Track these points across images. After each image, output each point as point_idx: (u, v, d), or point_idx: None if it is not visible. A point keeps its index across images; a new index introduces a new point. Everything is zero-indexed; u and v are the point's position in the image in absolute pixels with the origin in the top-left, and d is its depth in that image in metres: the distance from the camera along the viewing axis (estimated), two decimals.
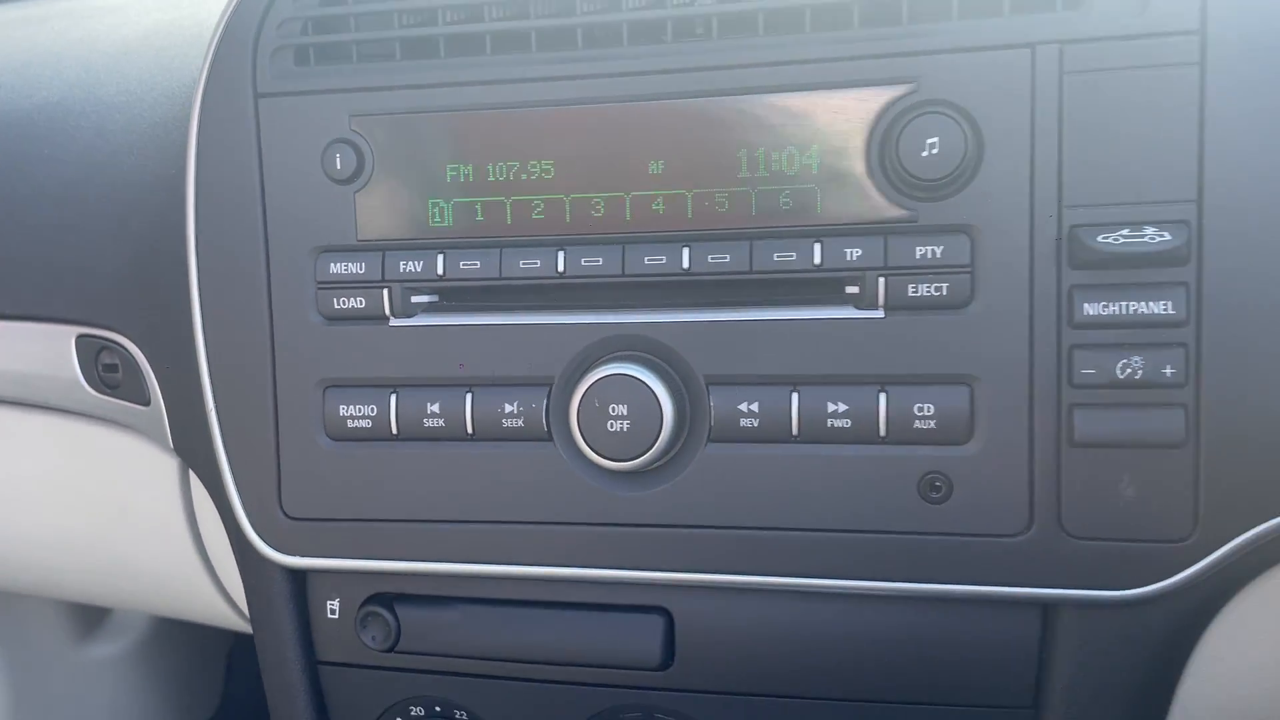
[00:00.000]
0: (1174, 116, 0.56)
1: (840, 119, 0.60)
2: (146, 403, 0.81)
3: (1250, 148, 0.56)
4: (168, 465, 0.84)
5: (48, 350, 0.85)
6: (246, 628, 0.90)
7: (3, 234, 0.84)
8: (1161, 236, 0.56)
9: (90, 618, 1.40)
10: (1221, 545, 0.58)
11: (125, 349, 0.81)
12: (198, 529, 0.86)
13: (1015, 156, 0.58)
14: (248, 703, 1.62)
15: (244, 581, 0.77)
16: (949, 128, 0.58)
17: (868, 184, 0.60)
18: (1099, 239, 0.57)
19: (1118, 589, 0.60)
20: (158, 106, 0.82)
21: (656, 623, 0.68)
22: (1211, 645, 0.63)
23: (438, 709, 0.73)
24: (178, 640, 1.50)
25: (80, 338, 0.84)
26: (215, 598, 0.90)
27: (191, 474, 0.83)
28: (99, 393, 0.84)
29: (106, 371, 0.84)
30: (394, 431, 0.67)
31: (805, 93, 0.60)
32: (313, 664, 0.75)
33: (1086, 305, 0.58)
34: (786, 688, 0.67)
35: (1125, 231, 0.57)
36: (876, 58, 0.59)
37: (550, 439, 0.65)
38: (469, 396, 0.66)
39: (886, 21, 0.60)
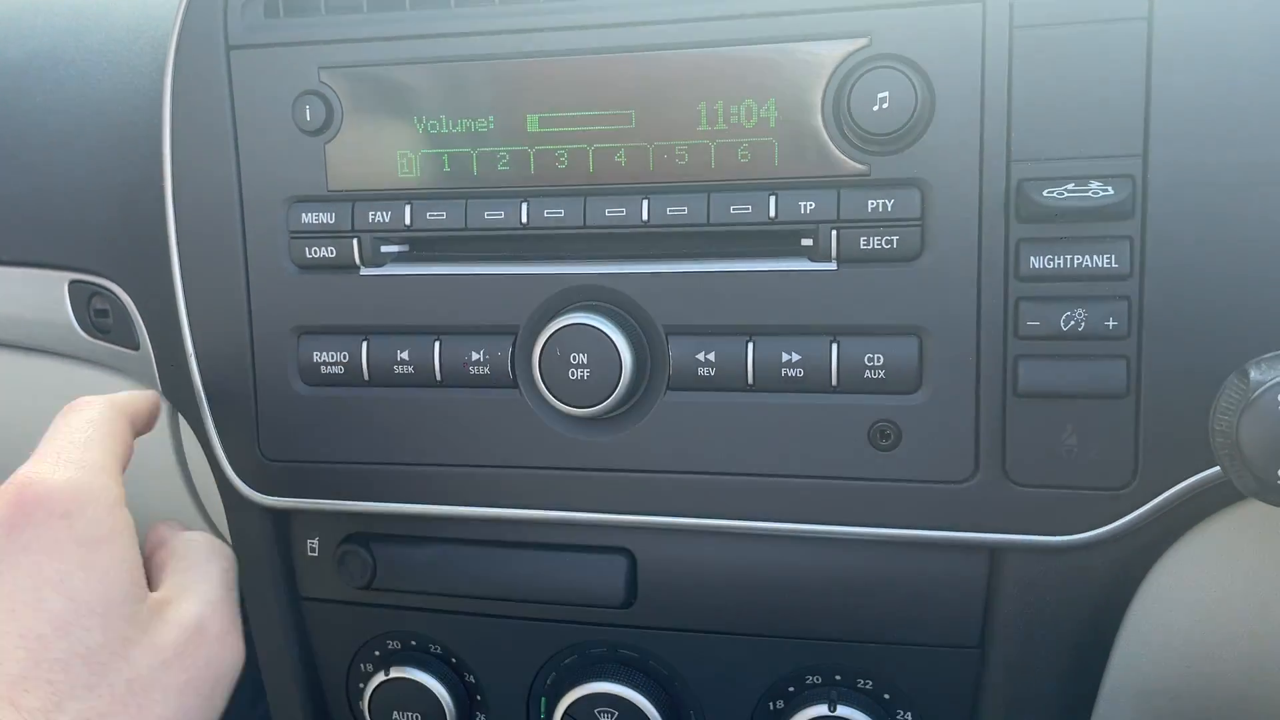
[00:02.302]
0: (1121, 71, 0.57)
1: (796, 73, 0.61)
2: (136, 347, 0.84)
3: (1195, 103, 0.56)
4: None
5: (42, 295, 0.87)
6: None
7: None
8: (1105, 191, 0.57)
9: None
10: (1160, 493, 0.59)
11: (115, 295, 0.84)
12: (188, 469, 0.89)
13: (966, 111, 0.59)
14: (247, 635, 1.67)
15: (229, 521, 0.80)
16: (900, 82, 0.59)
17: (823, 137, 0.61)
18: (1045, 193, 0.58)
19: (1060, 534, 0.61)
20: (143, 55, 0.83)
21: (619, 563, 0.70)
22: (1153, 589, 0.65)
23: (413, 643, 0.76)
24: None
25: (73, 283, 0.86)
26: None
27: (181, 416, 0.86)
28: (91, 337, 0.87)
29: (98, 316, 0.86)
30: (366, 377, 0.69)
31: (762, 46, 0.61)
32: (296, 599, 0.78)
33: (1033, 258, 0.59)
34: (743, 626, 0.70)
35: (1071, 186, 0.58)
36: (832, 11, 0.60)
37: (515, 386, 0.67)
38: (437, 344, 0.68)
39: None
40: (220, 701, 0.57)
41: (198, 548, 0.61)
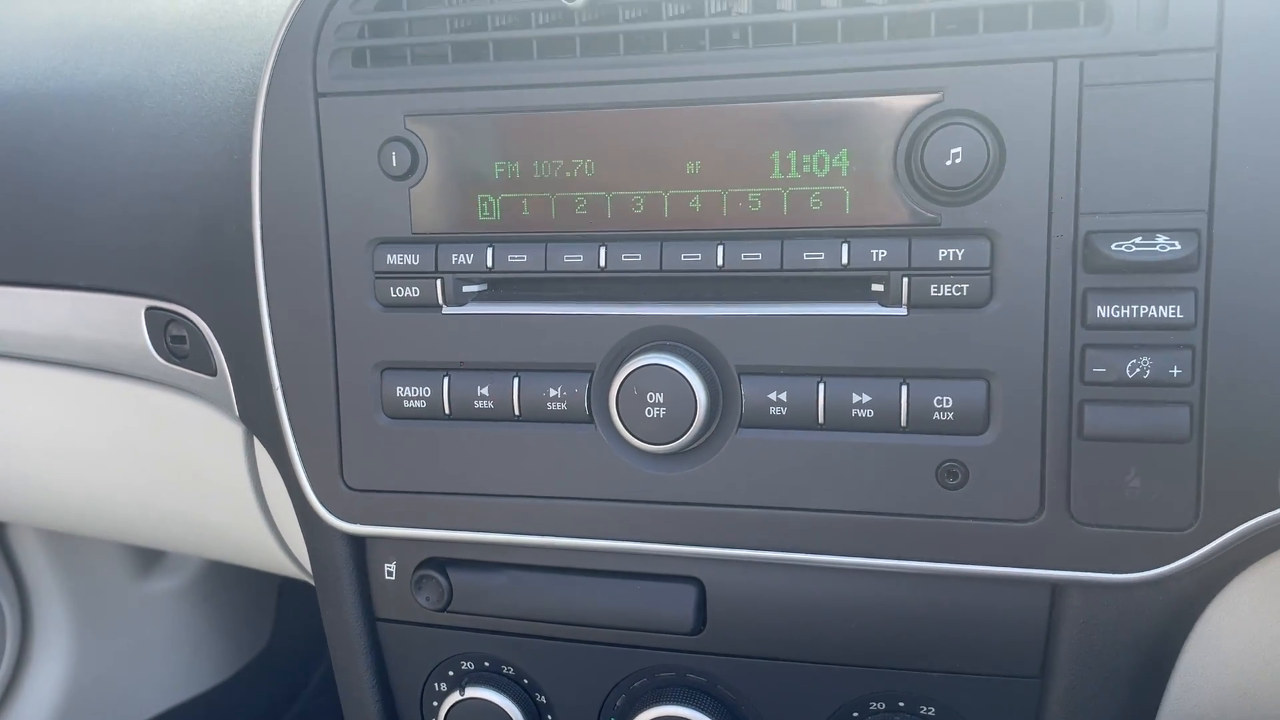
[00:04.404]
0: (1188, 130, 0.59)
1: (869, 126, 0.63)
2: (213, 373, 0.87)
3: (1260, 161, 0.58)
4: (233, 431, 0.90)
5: (119, 321, 0.90)
6: (307, 579, 0.96)
7: (75, 209, 0.89)
8: (1172, 245, 0.59)
9: (149, 555, 1.48)
10: (1220, 535, 0.62)
11: (192, 322, 0.86)
12: (262, 490, 0.92)
13: (1035, 166, 0.61)
14: (297, 639, 1.71)
15: (308, 545, 0.83)
16: (972, 137, 0.61)
17: (894, 188, 0.63)
18: (1113, 246, 0.60)
19: (1122, 572, 0.64)
20: (218, 90, 0.86)
21: (689, 591, 0.73)
22: (1210, 625, 0.67)
23: (486, 664, 0.79)
24: (230, 578, 1.58)
25: (149, 310, 0.89)
26: (278, 553, 0.96)
27: (256, 439, 0.88)
28: (168, 362, 0.90)
29: (175, 343, 0.89)
30: (447, 411, 0.72)
31: (836, 100, 0.63)
32: (371, 621, 0.81)
33: (1099, 308, 0.61)
34: (809, 654, 0.72)
35: (1138, 239, 0.60)
36: (904, 68, 0.62)
37: (592, 421, 0.70)
38: (516, 381, 0.70)
39: (915, 33, 0.62)
40: None
41: None
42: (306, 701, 1.73)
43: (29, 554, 1.42)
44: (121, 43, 0.95)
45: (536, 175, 0.68)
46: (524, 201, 0.69)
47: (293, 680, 1.73)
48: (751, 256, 0.66)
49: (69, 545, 1.41)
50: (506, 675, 0.79)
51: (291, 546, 0.94)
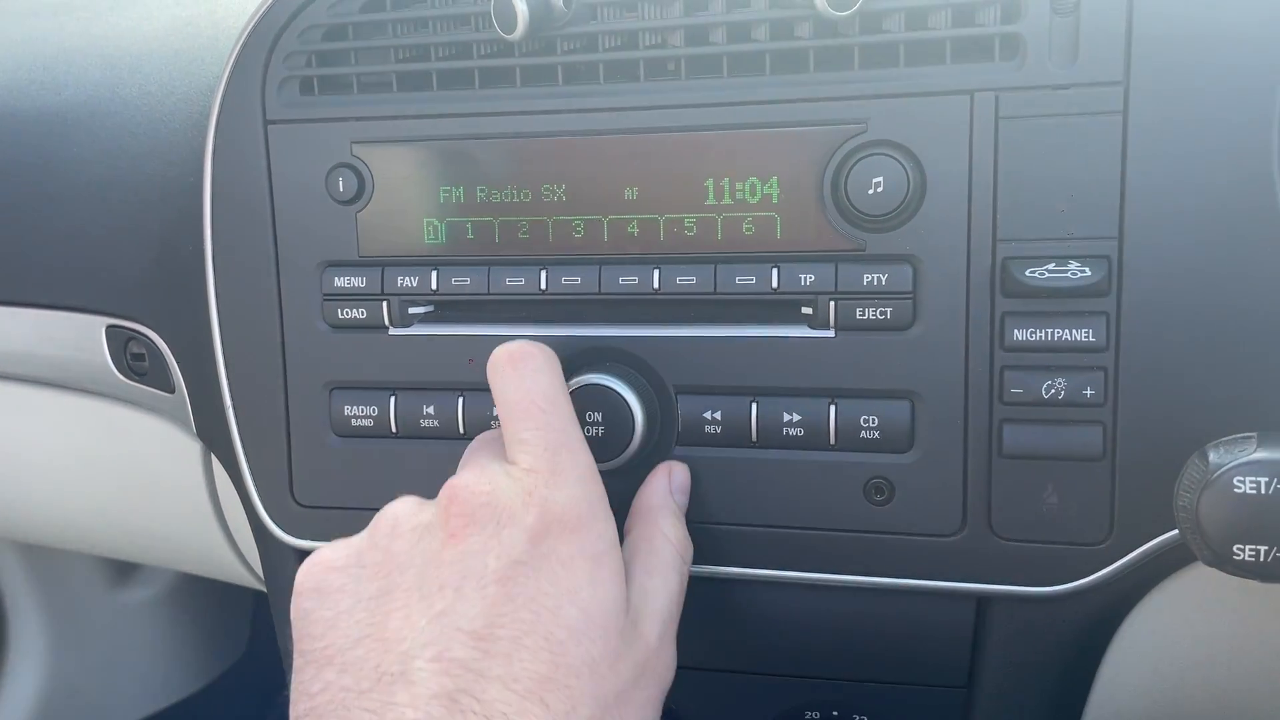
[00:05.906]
0: (1098, 160, 0.61)
1: (797, 155, 0.65)
2: (171, 390, 0.88)
3: (1167, 189, 0.61)
4: (191, 447, 0.92)
5: (80, 338, 0.92)
6: (264, 589, 0.98)
7: (36, 228, 0.90)
8: (1084, 272, 0.62)
9: (124, 565, 1.49)
10: (1135, 549, 0.64)
11: (151, 340, 0.88)
12: (219, 505, 0.93)
13: (954, 194, 0.63)
14: (273, 647, 1.71)
15: (261, 559, 0.85)
16: (894, 167, 0.63)
17: (821, 215, 0.65)
18: (1028, 272, 0.62)
19: (1041, 585, 0.66)
20: (177, 111, 0.88)
21: None
22: (1130, 635, 0.69)
23: None
24: (206, 588, 1.58)
25: (110, 328, 0.91)
26: (237, 565, 0.98)
27: (213, 455, 0.90)
28: (128, 379, 0.91)
29: (135, 360, 0.91)
30: (394, 430, 0.74)
31: (765, 130, 0.66)
32: None
33: (1016, 331, 0.63)
34: (745, 664, 0.74)
35: (1052, 265, 0.62)
36: (829, 100, 0.64)
37: None
38: (461, 400, 0.72)
39: (839, 67, 0.65)
40: (658, 714, 0.60)
41: (667, 556, 0.63)
42: (282, 710, 1.74)
43: (2, 564, 1.43)
44: (86, 63, 0.96)
45: (480, 201, 0.71)
46: (468, 226, 0.71)
47: (269, 689, 1.74)
48: (686, 280, 0.68)
49: (43, 555, 1.42)
50: None
51: (249, 559, 0.96)
